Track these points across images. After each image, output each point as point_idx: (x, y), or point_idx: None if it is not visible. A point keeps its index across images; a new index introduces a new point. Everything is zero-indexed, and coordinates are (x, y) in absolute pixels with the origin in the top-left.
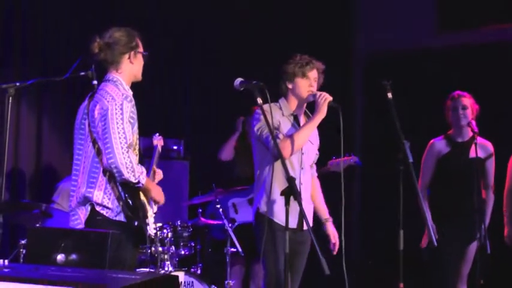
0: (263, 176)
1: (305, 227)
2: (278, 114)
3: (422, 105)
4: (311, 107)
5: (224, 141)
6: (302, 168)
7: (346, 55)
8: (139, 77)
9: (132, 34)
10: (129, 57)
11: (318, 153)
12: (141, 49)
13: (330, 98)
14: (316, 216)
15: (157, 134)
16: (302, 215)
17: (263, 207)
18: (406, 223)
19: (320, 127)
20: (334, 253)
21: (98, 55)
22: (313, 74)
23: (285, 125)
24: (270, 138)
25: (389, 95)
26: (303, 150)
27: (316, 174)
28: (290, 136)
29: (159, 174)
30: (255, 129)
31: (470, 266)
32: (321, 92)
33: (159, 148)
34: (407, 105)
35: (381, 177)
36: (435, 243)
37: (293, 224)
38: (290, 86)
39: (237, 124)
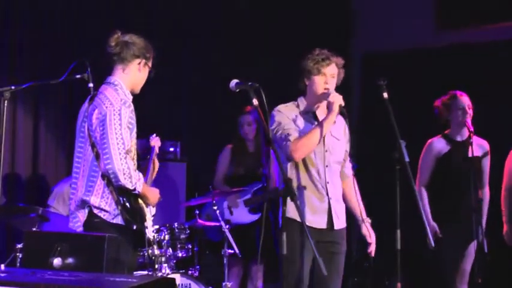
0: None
1: (336, 227)
2: (293, 113)
3: (420, 104)
4: None
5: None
6: (327, 166)
7: (345, 54)
8: (138, 89)
9: (150, 47)
10: (139, 63)
11: (348, 149)
12: (150, 64)
13: (341, 101)
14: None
15: (154, 134)
16: (330, 214)
17: (289, 211)
18: (403, 223)
19: None
20: (372, 255)
21: (112, 48)
22: (330, 70)
23: (301, 123)
24: (281, 140)
25: (385, 95)
26: (326, 147)
27: (351, 173)
28: (301, 137)
29: (156, 165)
30: (272, 129)
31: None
32: (334, 93)
33: (156, 149)
34: (406, 105)
35: (377, 177)
36: (432, 244)
37: (322, 224)
38: (307, 83)
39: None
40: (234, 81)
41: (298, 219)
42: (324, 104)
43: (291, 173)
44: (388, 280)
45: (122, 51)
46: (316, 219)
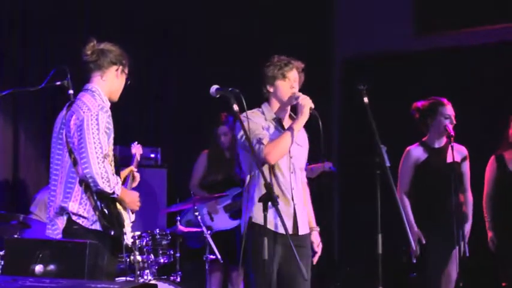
0: (253, 183)
1: (301, 232)
2: (261, 119)
3: (400, 109)
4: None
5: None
6: (292, 173)
7: (325, 59)
8: (116, 97)
9: (125, 55)
10: (116, 70)
11: (306, 157)
12: (126, 71)
13: (311, 104)
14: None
15: (136, 142)
16: (296, 219)
17: (256, 216)
18: (385, 227)
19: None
20: (314, 262)
21: (89, 56)
22: (293, 75)
23: (269, 129)
24: (255, 143)
25: (366, 100)
26: (291, 153)
27: (305, 180)
28: (273, 140)
29: (137, 178)
30: (238, 137)
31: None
32: (304, 96)
33: (138, 156)
34: (386, 109)
35: (358, 181)
36: (415, 250)
37: (289, 229)
38: (271, 90)
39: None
40: (214, 87)
41: (270, 227)
42: (289, 109)
43: (258, 181)
44: (370, 284)
45: (99, 59)
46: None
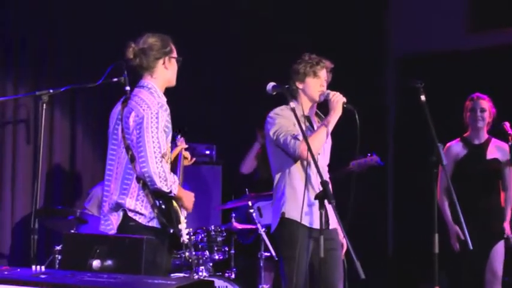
0: (284, 180)
1: (331, 226)
2: (291, 116)
3: (456, 107)
4: (321, 107)
5: (245, 153)
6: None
7: (380, 57)
8: (173, 82)
9: (166, 39)
10: (163, 63)
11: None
12: (174, 54)
13: (344, 99)
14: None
15: (179, 136)
16: (327, 214)
17: (290, 212)
18: (441, 226)
19: (339, 128)
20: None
21: (133, 61)
22: (324, 74)
23: (298, 126)
24: (288, 140)
25: (423, 98)
26: (319, 150)
27: (328, 176)
28: (309, 137)
29: (189, 156)
30: (271, 133)
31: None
32: (334, 92)
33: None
34: (440, 107)
35: (414, 180)
36: (457, 247)
37: (318, 224)
38: (301, 86)
39: (257, 136)
40: (270, 84)
41: (303, 222)
42: (315, 106)
43: (289, 177)
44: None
45: (143, 62)
46: (316, 220)
